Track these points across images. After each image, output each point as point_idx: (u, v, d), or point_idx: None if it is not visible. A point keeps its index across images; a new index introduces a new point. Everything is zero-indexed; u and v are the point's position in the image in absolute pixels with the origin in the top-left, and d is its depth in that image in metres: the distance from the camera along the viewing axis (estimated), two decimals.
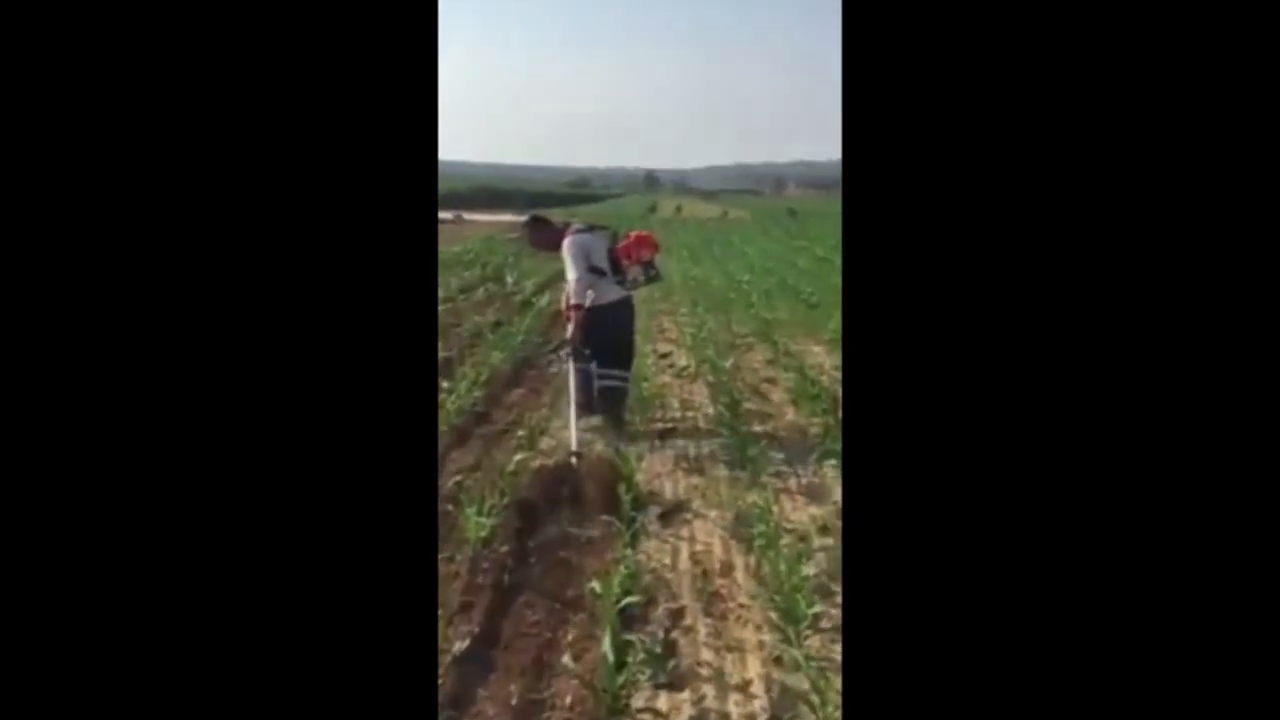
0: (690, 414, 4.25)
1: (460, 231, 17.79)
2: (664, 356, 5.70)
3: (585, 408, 3.64)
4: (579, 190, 60.06)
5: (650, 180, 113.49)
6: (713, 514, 3.01)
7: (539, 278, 9.62)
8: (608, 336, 3.67)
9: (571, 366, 3.68)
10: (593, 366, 3.67)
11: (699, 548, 2.74)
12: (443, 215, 22.56)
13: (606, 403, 3.73)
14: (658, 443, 3.79)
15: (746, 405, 4.25)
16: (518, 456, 3.30)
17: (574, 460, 3.28)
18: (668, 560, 2.64)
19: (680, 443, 3.80)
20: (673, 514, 3.01)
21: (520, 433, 3.75)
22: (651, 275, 3.92)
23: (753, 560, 2.61)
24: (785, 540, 2.66)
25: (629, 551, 2.58)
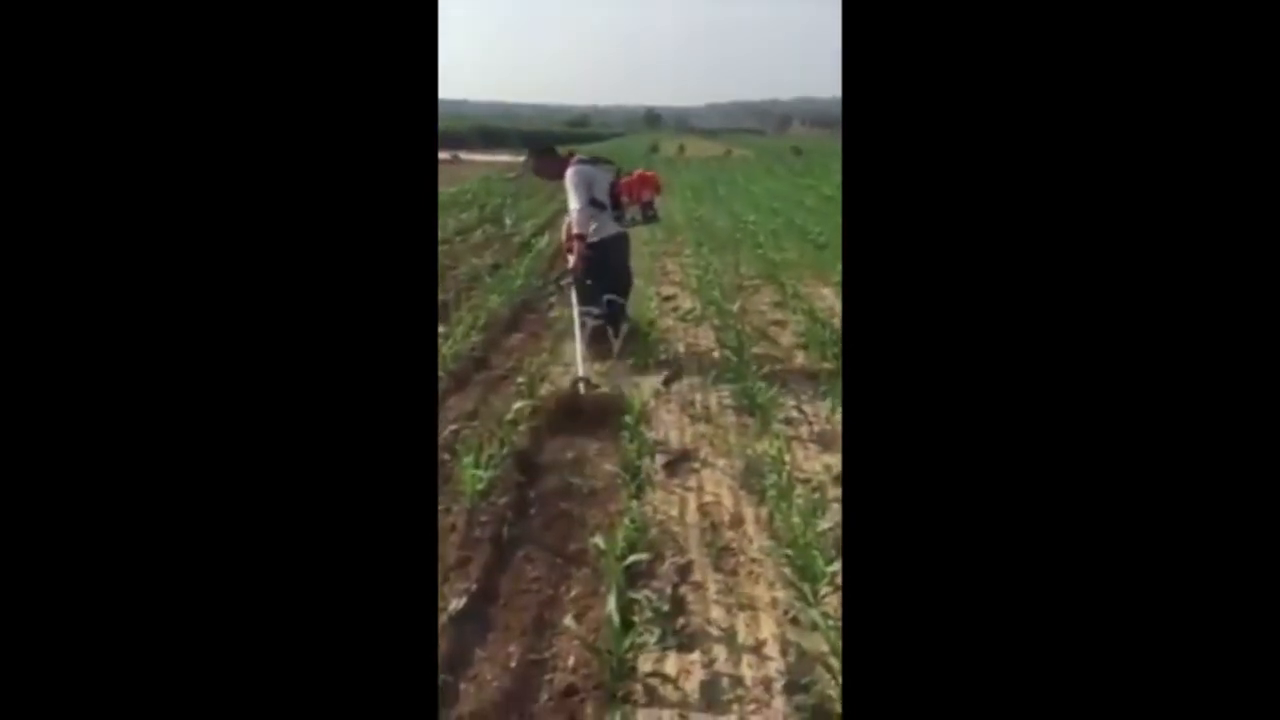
0: (696, 359, 4.09)
1: (457, 172, 17.35)
2: (668, 299, 5.51)
3: (591, 342, 3.67)
4: (578, 129, 58.67)
5: (651, 118, 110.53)
6: (721, 463, 2.88)
7: (538, 219, 9.34)
8: (607, 269, 3.76)
9: (574, 296, 3.73)
10: (595, 308, 3.74)
11: (708, 498, 2.62)
12: (440, 155, 22.05)
13: (610, 332, 3.80)
14: (663, 389, 3.64)
15: (754, 349, 4.08)
16: (517, 404, 3.15)
17: (581, 387, 3.33)
18: (674, 512, 2.52)
19: (686, 390, 3.66)
20: (679, 463, 2.88)
21: (520, 379, 3.60)
22: (650, 216, 3.94)
23: (764, 512, 2.49)
24: (799, 491, 2.53)
25: (634, 504, 2.45)
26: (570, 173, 3.68)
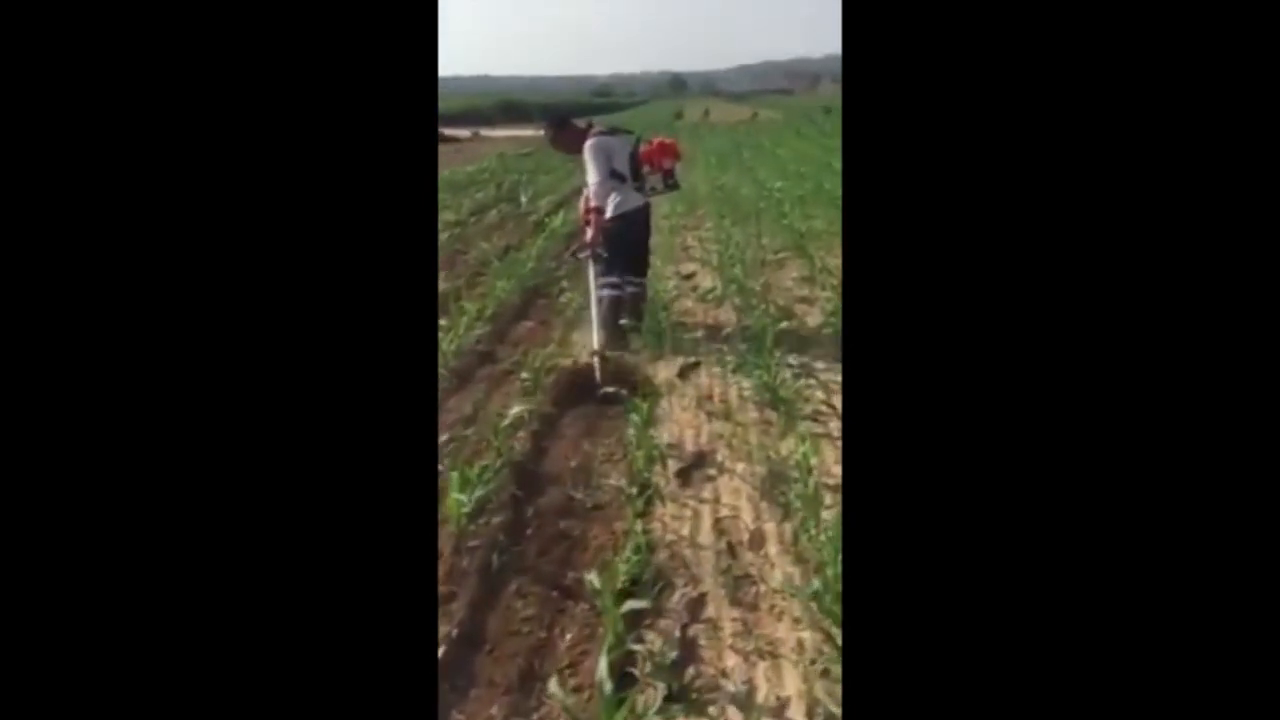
0: (717, 345, 3.78)
1: (478, 149, 17.08)
2: (688, 278, 5.18)
3: (608, 318, 3.60)
4: (601, 99, 57.73)
5: (676, 84, 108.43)
6: (740, 468, 2.59)
7: (554, 195, 9.03)
8: (626, 244, 3.65)
9: (591, 269, 3.67)
10: (614, 281, 3.65)
11: (724, 512, 2.33)
12: (459, 133, 21.78)
13: (628, 309, 3.68)
14: (678, 381, 3.35)
15: (780, 327, 3.74)
16: (515, 409, 2.88)
17: (596, 361, 3.31)
18: (686, 531, 2.24)
19: (704, 381, 3.36)
20: (694, 469, 2.60)
21: (524, 375, 3.34)
22: (671, 184, 3.90)
23: (789, 529, 2.20)
24: (828, 502, 2.23)
25: (639, 525, 2.18)
26: (588, 145, 3.57)
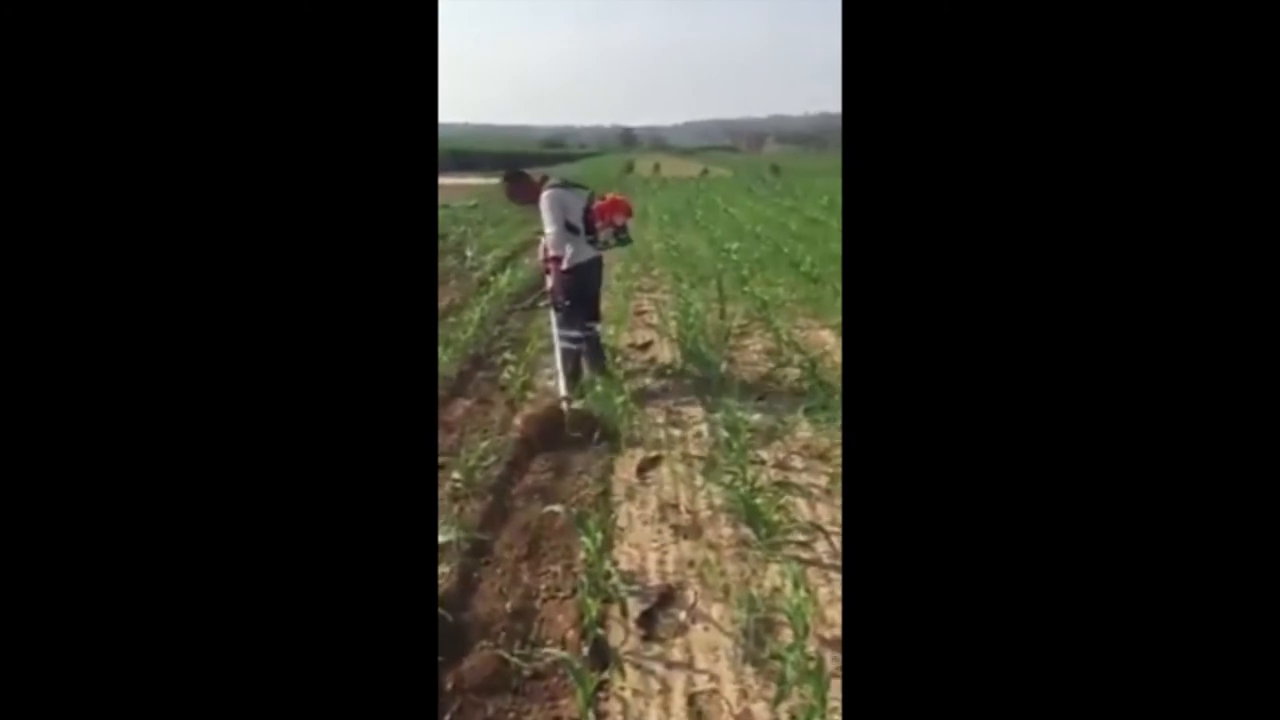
0: (678, 438, 3.32)
1: None
2: (644, 348, 4.75)
3: (568, 364, 3.75)
4: (552, 150, 58.11)
5: (627, 138, 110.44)
6: (716, 612, 2.10)
7: (502, 249, 8.56)
8: (581, 295, 3.77)
9: (554, 317, 3.81)
10: (573, 332, 3.77)
11: (700, 685, 1.83)
12: None
13: (588, 356, 3.82)
14: (637, 484, 2.87)
15: (750, 418, 3.30)
16: (443, 537, 2.33)
17: (564, 406, 3.43)
18: (654, 718, 1.73)
19: (667, 485, 2.89)
20: (658, 613, 2.10)
21: (455, 476, 2.80)
22: (622, 238, 4.06)
23: (785, 715, 1.71)
24: (830, 666, 1.76)
25: (590, 717, 1.66)
26: (544, 197, 3.68)
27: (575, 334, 3.76)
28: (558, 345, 3.77)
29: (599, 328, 4.00)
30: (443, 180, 23.95)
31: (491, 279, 6.52)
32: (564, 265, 3.65)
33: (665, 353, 4.62)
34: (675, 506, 2.72)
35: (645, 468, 3.03)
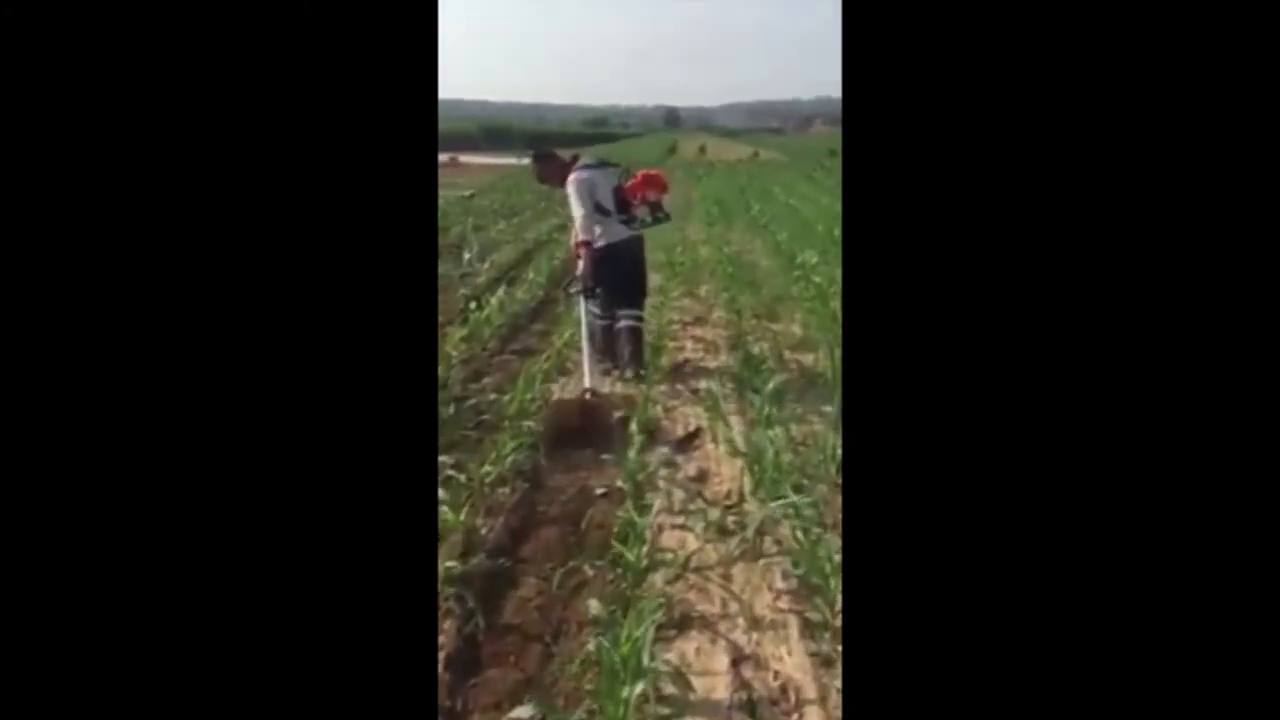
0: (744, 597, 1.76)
1: (454, 177, 15.20)
2: (691, 438, 3.12)
3: (603, 352, 3.59)
4: (594, 129, 56.51)
5: (671, 118, 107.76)
6: None
7: (512, 249, 7.02)
8: (619, 275, 3.53)
9: (583, 304, 3.54)
10: (606, 314, 3.59)
11: None
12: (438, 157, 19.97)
13: (624, 344, 3.59)
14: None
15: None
16: None
17: (588, 396, 3.15)
18: None
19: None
20: None
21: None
22: (659, 216, 3.78)
23: None
24: None
25: None
26: (571, 180, 3.51)
27: (606, 313, 3.54)
28: (585, 332, 3.45)
29: (640, 314, 3.66)
30: (474, 159, 22.68)
31: (484, 297, 4.80)
32: (595, 245, 3.42)
33: (723, 468, 2.88)
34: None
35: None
